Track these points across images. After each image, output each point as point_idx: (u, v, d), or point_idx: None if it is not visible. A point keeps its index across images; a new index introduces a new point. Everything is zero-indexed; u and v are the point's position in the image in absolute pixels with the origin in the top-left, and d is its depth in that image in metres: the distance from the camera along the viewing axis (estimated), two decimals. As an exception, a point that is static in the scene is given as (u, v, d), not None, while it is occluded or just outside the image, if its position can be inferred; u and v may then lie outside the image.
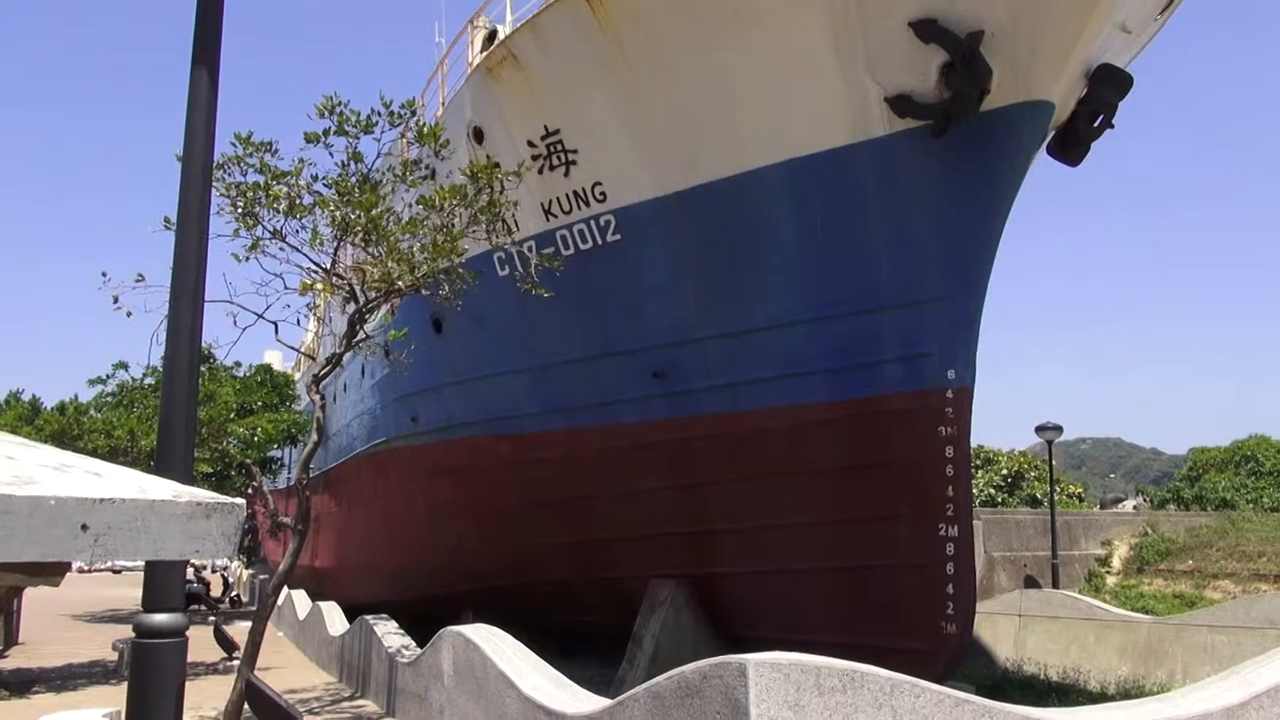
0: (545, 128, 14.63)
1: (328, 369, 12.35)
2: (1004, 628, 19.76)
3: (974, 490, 27.75)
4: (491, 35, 15.91)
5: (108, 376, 24.88)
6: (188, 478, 6.23)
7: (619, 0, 12.94)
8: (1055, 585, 24.04)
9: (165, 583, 6.34)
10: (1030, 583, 25.15)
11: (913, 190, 12.30)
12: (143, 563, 5.97)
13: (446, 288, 11.75)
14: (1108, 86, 12.53)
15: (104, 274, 10.87)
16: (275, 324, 11.93)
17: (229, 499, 3.39)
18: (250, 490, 24.51)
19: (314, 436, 11.58)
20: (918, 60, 11.71)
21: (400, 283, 11.19)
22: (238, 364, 29.54)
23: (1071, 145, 13.04)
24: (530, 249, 14.34)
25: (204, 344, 7.96)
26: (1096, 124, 12.87)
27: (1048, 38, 11.52)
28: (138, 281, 10.70)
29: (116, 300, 10.86)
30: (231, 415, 25.09)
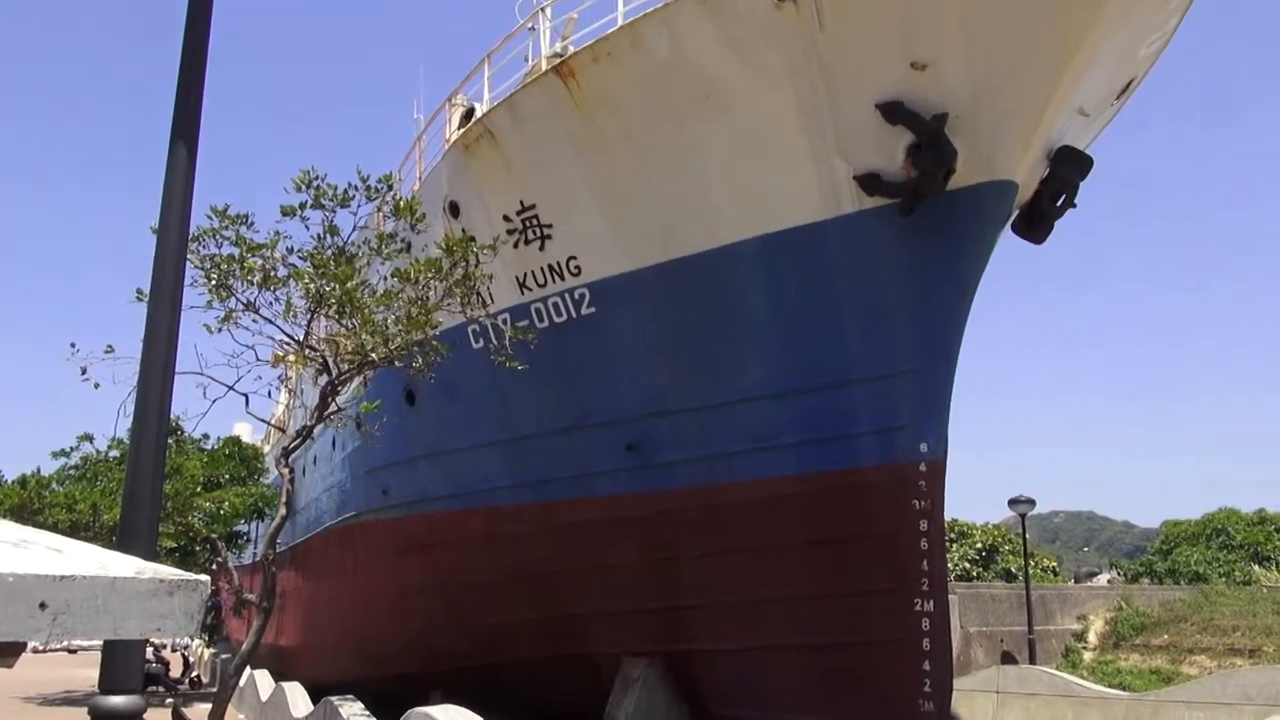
0: (521, 203, 14.81)
1: (298, 441, 12.21)
2: (982, 705, 19.51)
3: (949, 564, 27.65)
4: (469, 113, 16.18)
5: (72, 449, 24.41)
6: (151, 553, 6.10)
7: (594, 82, 13.24)
8: (1032, 661, 23.84)
9: (124, 663, 6.14)
10: (1007, 658, 24.92)
11: (883, 265, 12.52)
12: (100, 642, 5.80)
13: (420, 360, 11.72)
14: (1069, 167, 12.93)
15: (73, 345, 10.77)
16: (246, 396, 11.82)
17: (193, 575, 3.32)
18: (215, 566, 23.95)
19: (282, 510, 11.39)
20: (885, 140, 12.03)
21: (374, 355, 11.16)
22: (206, 436, 29.10)
23: (1035, 223, 13.39)
24: (505, 322, 14.39)
25: (172, 416, 7.87)
26: (1059, 203, 13.25)
27: (1010, 120, 11.89)
28: (107, 353, 10.60)
29: (85, 371, 10.74)
30: (198, 489, 24.62)
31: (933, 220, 12.11)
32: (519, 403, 15.57)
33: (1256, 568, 40.38)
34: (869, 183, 12.18)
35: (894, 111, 11.77)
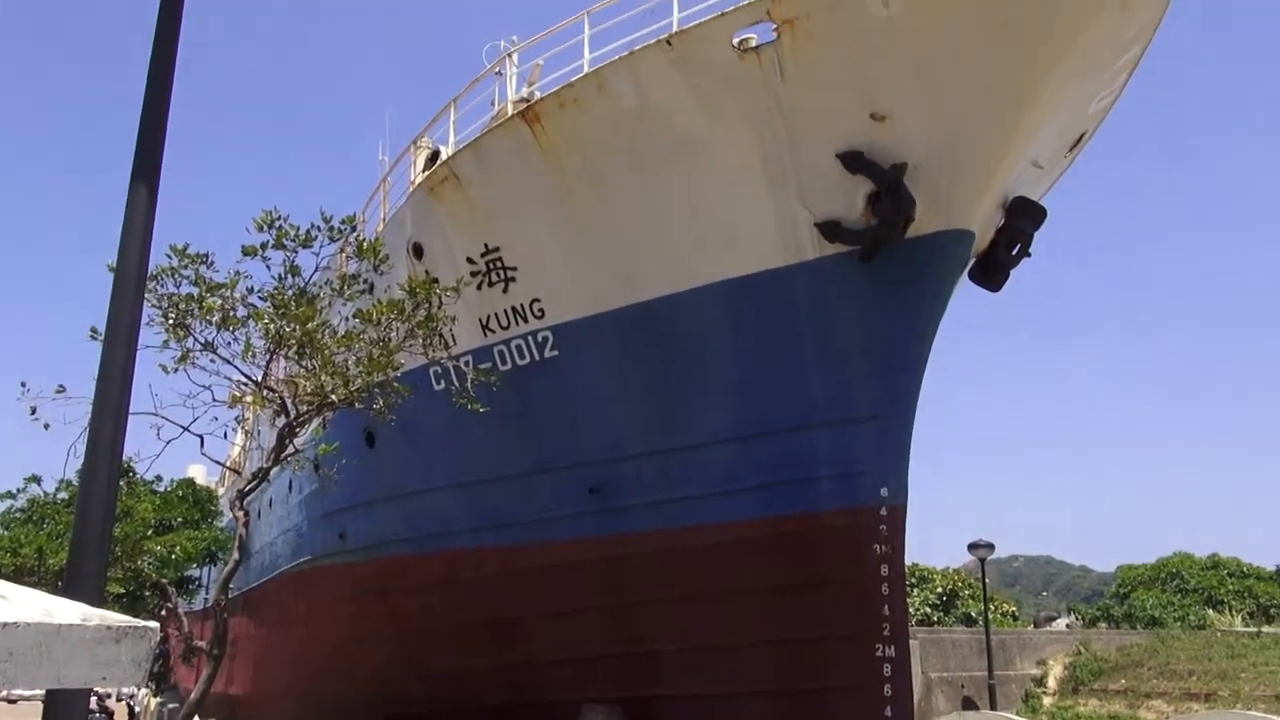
0: (485, 245, 14.84)
1: (254, 484, 12.01)
2: (943, 752, 19.41)
3: (910, 609, 27.68)
4: (434, 155, 16.24)
5: (18, 491, 23.75)
6: (98, 599, 5.93)
7: (560, 127, 13.37)
8: (993, 706, 23.82)
9: (66, 713, 5.94)
10: (968, 704, 24.89)
11: (843, 311, 12.68)
12: (43, 691, 5.61)
13: (380, 402, 11.62)
14: (1023, 217, 13.25)
15: (23, 384, 10.53)
16: (201, 437, 11.61)
17: (141, 622, 3.24)
18: (164, 612, 23.33)
19: (235, 554, 11.16)
20: (846, 189, 12.25)
21: (333, 396, 11.05)
22: (159, 478, 28.47)
23: (992, 272, 13.68)
24: (467, 364, 14.32)
25: (124, 457, 7.71)
26: (1014, 252, 13.55)
27: (966, 171, 12.19)
28: (58, 393, 10.38)
29: (34, 411, 10.50)
30: (149, 532, 24.02)
31: (892, 267, 12.32)
32: (480, 445, 15.46)
33: (1210, 612, 40.92)
34: (830, 230, 12.38)
35: (854, 161, 12.01)
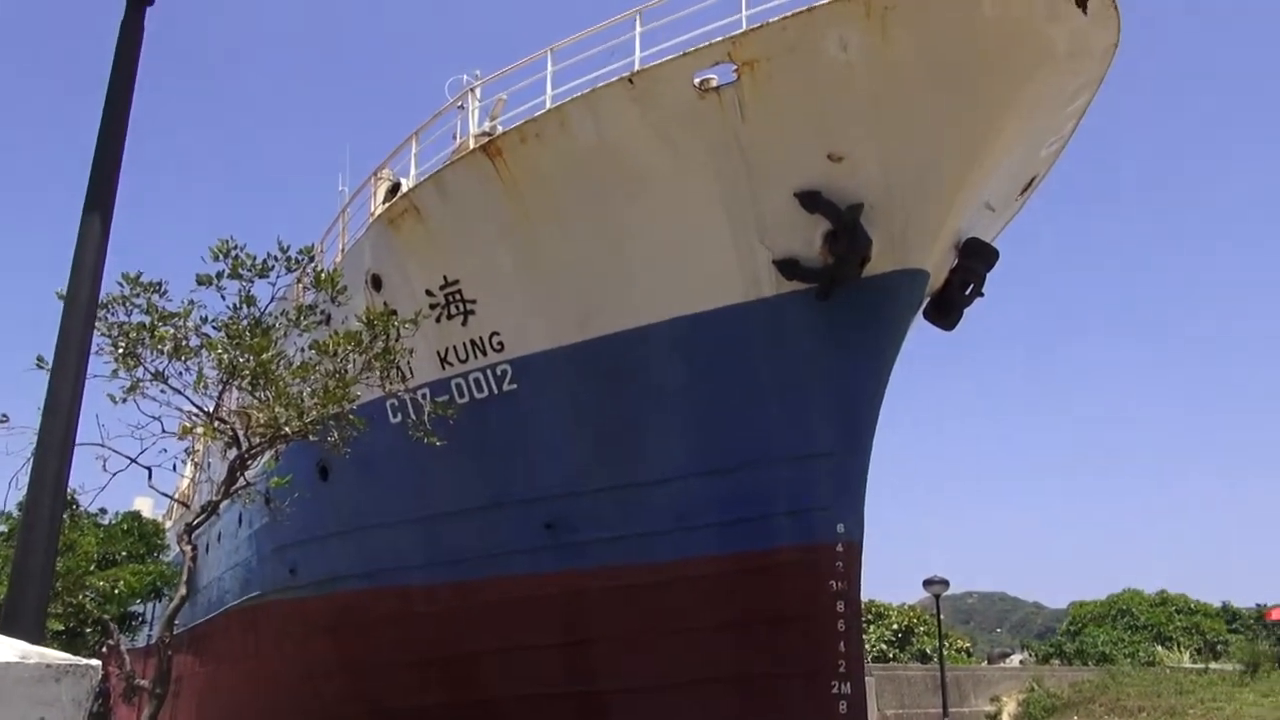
0: (445, 277, 14.80)
1: (202, 517, 11.75)
2: (898, 790, 19.39)
3: (866, 645, 27.72)
4: (395, 187, 16.20)
5: (-46, 523, 22.98)
6: (38, 636, 5.75)
7: (521, 162, 13.44)
8: (947, 744, 23.87)
9: (-1, 756, 5.72)
10: (923, 742, 24.91)
11: (801, 348, 12.81)
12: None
13: (335, 434, 11.46)
14: (976, 258, 13.54)
15: (-37, 413, 10.24)
16: (149, 469, 11.36)
17: (83, 660, 3.15)
18: (105, 649, 22.61)
19: (181, 590, 10.86)
20: (804, 228, 12.43)
21: (287, 428, 10.87)
22: (103, 511, 27.73)
23: (946, 311, 13.93)
24: (424, 396, 14.20)
25: (69, 489, 7.52)
26: (968, 292, 13.81)
27: (921, 212, 12.44)
28: (0, 423, 10.11)
29: (-25, 441, 10.19)
30: (91, 567, 23.35)
31: (849, 306, 12.49)
32: (436, 479, 15.30)
33: (1159, 648, 41.53)
34: (788, 268, 12.54)
35: (812, 200, 12.20)
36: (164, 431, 11.14)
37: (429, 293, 14.90)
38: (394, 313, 12.08)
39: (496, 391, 14.70)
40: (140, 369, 10.51)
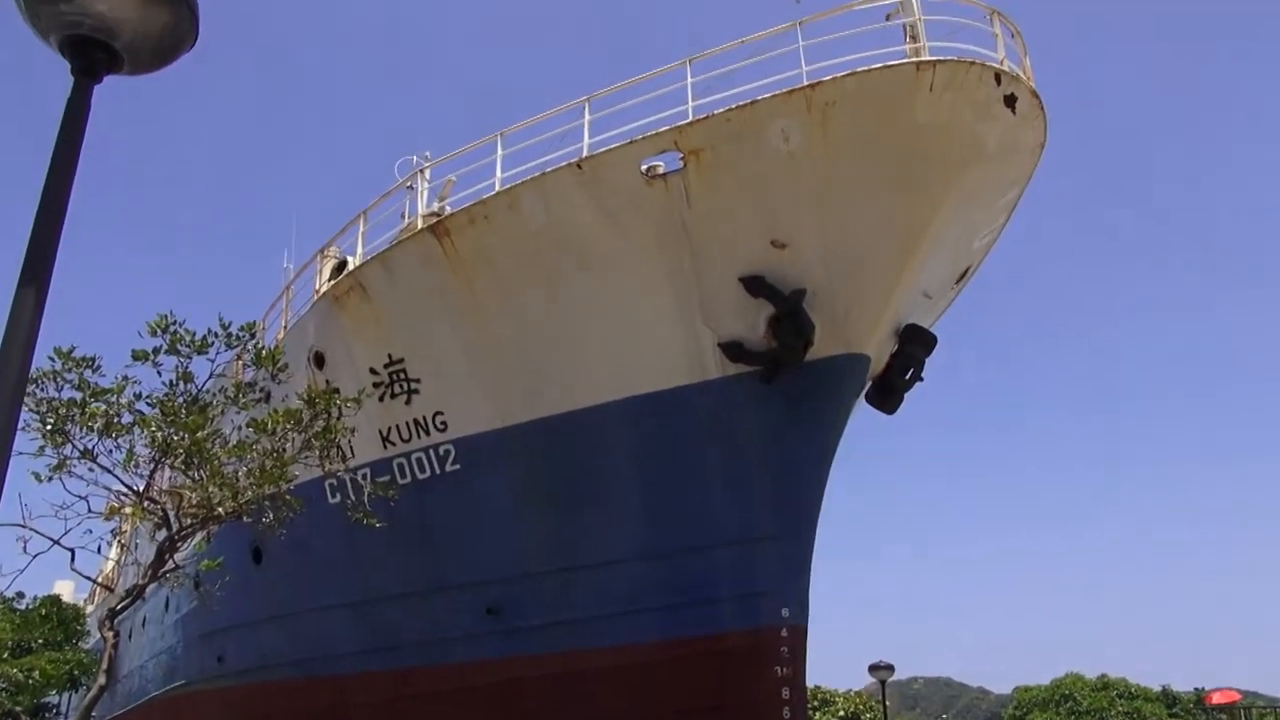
0: (389, 356, 14.68)
1: (127, 602, 11.25)
2: None
3: (812, 734, 27.26)
4: (341, 265, 16.16)
5: None
6: (-60, 730, 5.41)
7: (470, 242, 13.52)
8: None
9: None
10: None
11: (745, 430, 12.89)
12: None
13: (271, 515, 11.16)
14: (915, 344, 13.85)
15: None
16: (72, 551, 10.90)
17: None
18: (15, 743, 21.32)
19: (100, 679, 10.33)
20: (748, 311, 12.64)
21: (221, 508, 10.57)
22: (20, 595, 26.50)
23: (887, 395, 14.16)
24: (365, 477, 13.93)
25: (-16, 573, 7.17)
26: (908, 376, 14.08)
27: (861, 299, 12.74)
28: (-87, 501, 9.65)
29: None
30: (4, 654, 22.20)
31: (792, 388, 12.65)
32: (375, 562, 14.91)
33: (1102, 734, 41.46)
34: (732, 350, 12.69)
35: (756, 285, 12.44)
36: (90, 511, 10.74)
37: (373, 371, 14.76)
38: (336, 391, 11.92)
39: (439, 472, 14.49)
40: (69, 446, 10.18)
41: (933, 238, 12.65)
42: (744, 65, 12.14)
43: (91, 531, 11.31)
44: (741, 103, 11.76)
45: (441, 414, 14.43)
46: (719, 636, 12.55)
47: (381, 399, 14.61)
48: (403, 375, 14.65)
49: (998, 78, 11.75)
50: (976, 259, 14.97)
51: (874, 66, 11.48)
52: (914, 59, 11.47)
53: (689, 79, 12.22)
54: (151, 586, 11.34)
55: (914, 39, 11.68)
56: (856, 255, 12.43)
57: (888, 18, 12.05)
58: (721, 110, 11.82)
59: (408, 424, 14.70)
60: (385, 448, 14.88)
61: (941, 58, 11.48)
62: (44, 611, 26.14)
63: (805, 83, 11.54)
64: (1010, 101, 11.93)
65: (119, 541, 27.15)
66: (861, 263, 12.46)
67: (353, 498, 12.85)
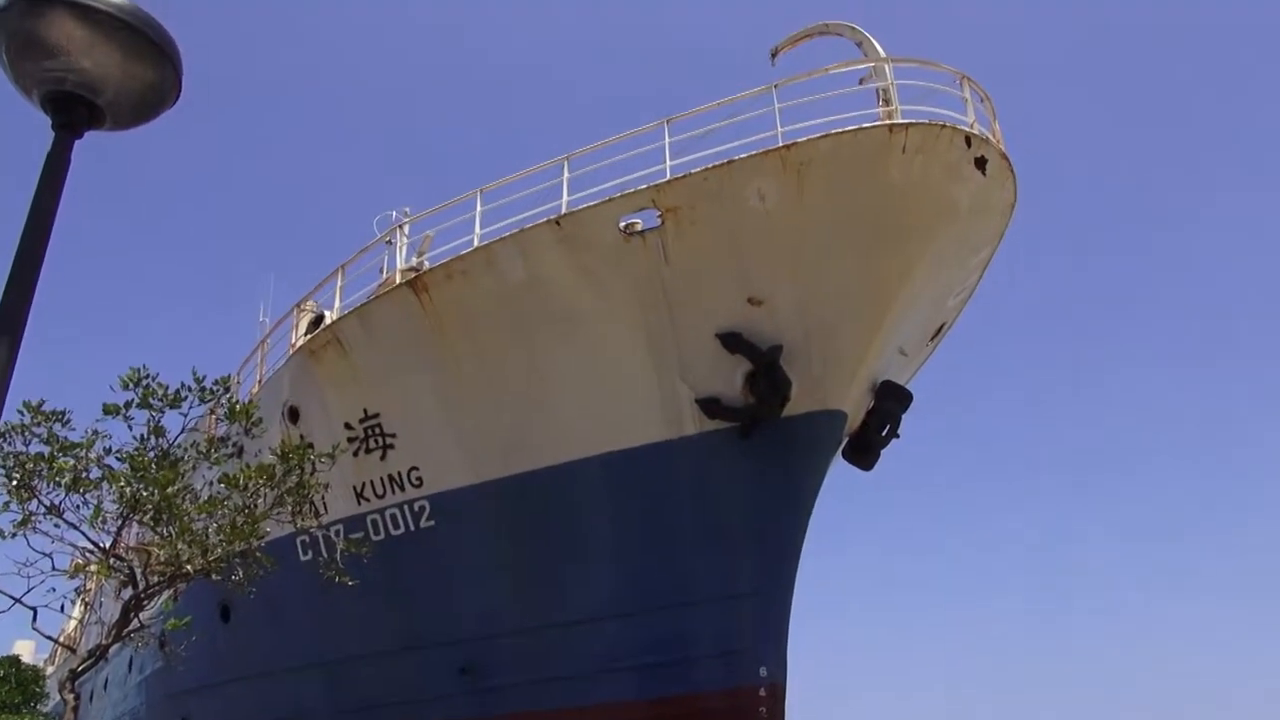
0: (365, 411, 14.58)
1: (90, 662, 10.96)
2: None
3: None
4: (318, 319, 16.10)
5: None
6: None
7: (448, 297, 13.53)
8: None
9: None
10: None
11: (723, 486, 12.85)
12: None
13: (241, 573, 10.94)
14: (891, 400, 13.94)
15: None
16: (35, 610, 10.64)
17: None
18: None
19: (59, 744, 10.03)
20: (725, 368, 12.69)
21: (189, 566, 10.36)
22: (-22, 655, 25.72)
23: (863, 451, 14.21)
24: (338, 533, 13.75)
25: (-58, 633, 6.98)
26: (884, 433, 14.14)
27: (837, 356, 12.84)
28: (-127, 558, 9.40)
29: None
30: (-42, 718, 21.45)
31: (770, 444, 12.65)
32: (347, 621, 14.64)
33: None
34: (710, 406, 12.70)
35: (733, 341, 12.51)
36: (54, 569, 10.52)
37: (348, 425, 14.63)
38: (310, 445, 11.79)
39: (413, 528, 14.31)
40: (34, 501, 9.99)
41: (907, 295, 12.81)
42: (721, 126, 12.36)
43: (55, 590, 11.08)
44: (719, 162, 11.94)
45: (417, 469, 14.30)
46: (697, 696, 12.36)
47: (356, 454, 14.46)
48: (378, 430, 14.53)
49: (968, 140, 12.02)
50: (950, 316, 15.17)
51: (848, 129, 11.71)
52: (887, 121, 11.73)
53: (667, 138, 12.41)
54: (115, 647, 11.05)
55: (886, 102, 11.96)
56: (832, 312, 12.55)
57: (861, 81, 12.34)
58: (699, 169, 11.99)
59: (382, 479, 14.54)
60: (359, 503, 14.70)
61: (913, 120, 11.75)
62: (2, 673, 25.37)
63: (781, 143, 11.75)
64: (980, 163, 12.20)
65: (83, 600, 26.54)
66: (837, 319, 12.58)
67: (325, 555, 12.66)
